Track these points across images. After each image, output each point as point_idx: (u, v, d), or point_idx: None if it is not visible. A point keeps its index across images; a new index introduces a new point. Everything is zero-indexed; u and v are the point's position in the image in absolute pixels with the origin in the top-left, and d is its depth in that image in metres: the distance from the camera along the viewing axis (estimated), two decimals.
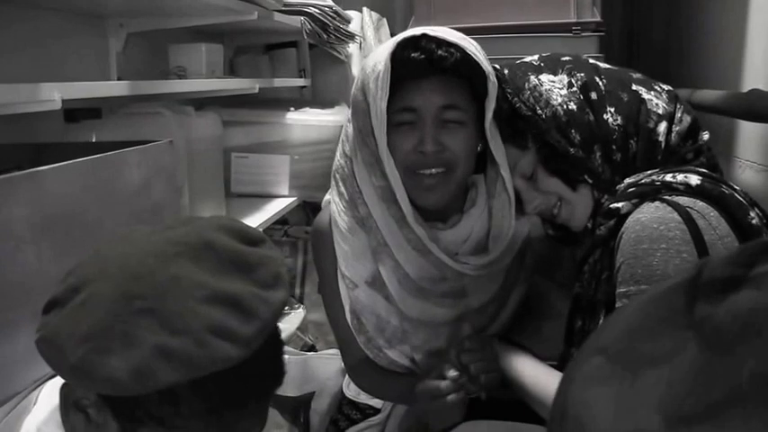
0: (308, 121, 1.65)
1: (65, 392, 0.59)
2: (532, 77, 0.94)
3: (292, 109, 1.66)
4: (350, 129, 1.01)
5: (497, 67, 0.98)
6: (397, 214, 0.99)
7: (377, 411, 1.24)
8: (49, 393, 0.63)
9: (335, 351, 1.62)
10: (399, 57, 0.92)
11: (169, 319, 0.52)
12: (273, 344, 0.59)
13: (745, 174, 1.45)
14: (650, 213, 0.83)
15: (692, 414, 0.31)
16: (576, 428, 0.35)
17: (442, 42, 0.92)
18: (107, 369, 0.51)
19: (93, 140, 1.15)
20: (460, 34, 0.95)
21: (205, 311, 0.53)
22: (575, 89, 0.92)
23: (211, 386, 0.54)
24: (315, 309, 1.88)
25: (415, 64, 0.92)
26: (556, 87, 0.93)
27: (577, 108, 0.91)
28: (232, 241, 0.59)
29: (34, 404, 0.64)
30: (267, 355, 0.57)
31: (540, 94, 0.92)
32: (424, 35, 0.92)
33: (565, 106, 0.91)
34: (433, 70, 0.93)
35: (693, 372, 0.33)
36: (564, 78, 0.93)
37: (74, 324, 0.54)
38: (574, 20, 1.91)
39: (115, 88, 0.95)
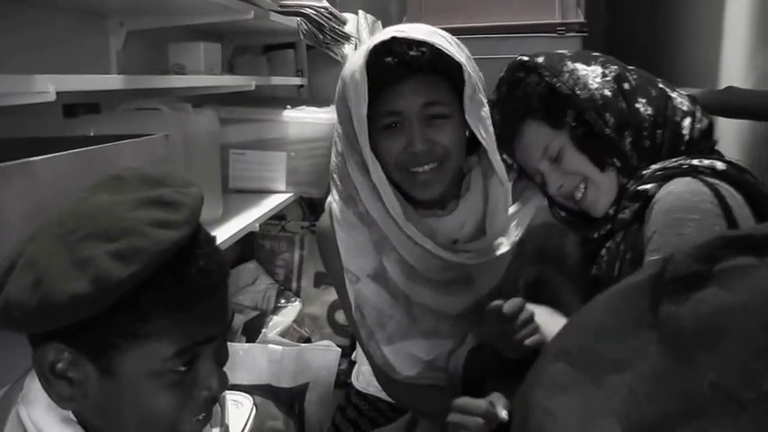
0: (304, 119, 1.67)
1: (38, 363, 0.61)
2: (569, 63, 1.00)
3: (289, 107, 1.69)
4: (340, 131, 1.03)
5: (526, 58, 1.02)
6: (395, 218, 1.01)
7: (385, 403, 1.27)
8: (33, 377, 0.65)
9: (329, 342, 1.65)
10: (374, 63, 0.94)
11: (107, 232, 0.57)
12: (204, 238, 0.65)
13: None
14: (683, 186, 0.88)
15: (649, 424, 0.31)
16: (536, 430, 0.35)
17: (412, 43, 0.94)
18: (69, 292, 0.55)
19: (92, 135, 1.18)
20: (429, 28, 0.97)
21: (136, 214, 0.59)
22: (609, 79, 0.98)
23: (162, 280, 0.59)
24: (311, 302, 1.91)
25: (390, 68, 0.94)
26: (591, 75, 0.99)
27: (612, 95, 0.97)
28: (131, 170, 0.66)
29: (21, 389, 0.65)
30: (201, 247, 0.63)
31: (578, 77, 0.98)
32: (394, 38, 0.94)
33: (601, 91, 0.97)
34: (408, 71, 0.95)
35: (655, 379, 0.32)
36: (598, 69, 0.99)
37: (20, 283, 0.57)
38: (559, 20, 1.95)
39: (110, 81, 0.97)
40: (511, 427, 0.38)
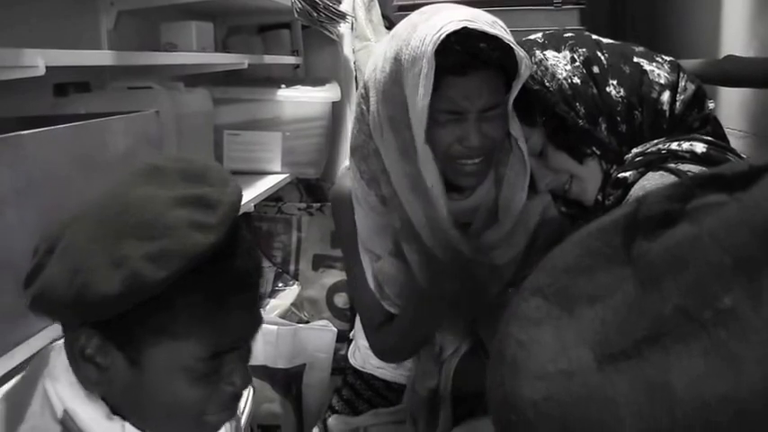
0: (299, 98, 1.65)
1: (69, 347, 0.63)
2: (538, 52, 0.96)
3: (283, 86, 1.67)
4: (372, 110, 0.99)
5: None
6: (424, 202, 0.99)
7: (381, 381, 1.26)
8: (59, 352, 0.66)
9: (325, 322, 1.64)
10: (439, 48, 0.88)
11: (144, 230, 0.58)
12: (242, 238, 0.65)
13: None
14: (654, 181, 0.84)
15: (619, 351, 0.32)
16: (512, 369, 0.35)
17: (482, 35, 0.89)
18: (101, 290, 0.56)
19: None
20: (489, 16, 0.93)
21: (174, 213, 0.59)
22: (577, 64, 0.94)
23: (196, 281, 0.59)
24: (309, 285, 1.89)
25: (458, 57, 0.90)
26: (560, 63, 0.95)
27: (581, 82, 0.93)
28: (173, 162, 0.65)
29: (47, 365, 0.66)
30: (238, 247, 0.63)
31: (546, 68, 0.94)
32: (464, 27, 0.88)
33: (569, 80, 0.93)
34: (474, 64, 0.91)
35: (625, 310, 0.33)
36: (567, 54, 0.95)
37: (60, 269, 0.58)
38: None
39: (100, 57, 0.96)
40: (488, 365, 0.38)
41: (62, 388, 0.64)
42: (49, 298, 0.59)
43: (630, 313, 0.33)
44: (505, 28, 0.93)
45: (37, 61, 0.77)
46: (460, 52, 0.90)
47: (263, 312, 0.70)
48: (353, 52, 2.10)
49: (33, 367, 0.68)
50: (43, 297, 0.59)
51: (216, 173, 0.65)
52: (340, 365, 1.53)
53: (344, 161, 1.74)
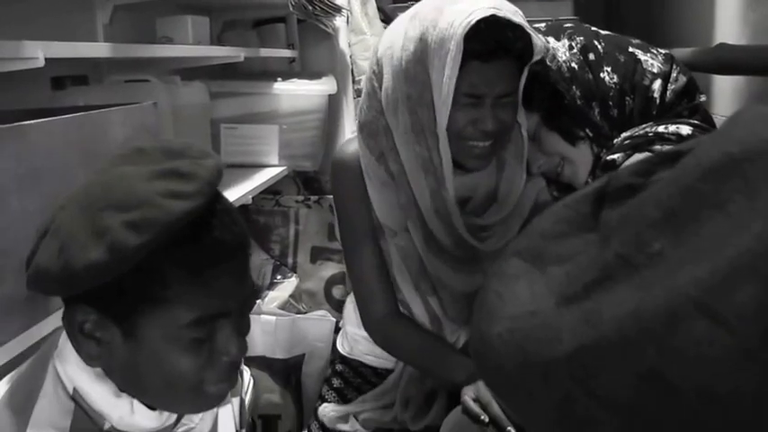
0: (296, 91, 1.66)
1: (68, 324, 0.65)
2: (541, 36, 0.99)
3: (280, 79, 1.68)
4: (385, 86, 1.00)
5: None
6: (432, 184, 1.01)
7: (369, 368, 1.27)
8: (66, 336, 0.68)
9: (323, 312, 1.65)
10: (467, 33, 0.91)
11: (124, 202, 0.60)
12: (222, 210, 0.66)
13: None
14: None
15: (572, 294, 0.37)
16: (488, 314, 0.41)
17: (507, 24, 0.92)
18: (86, 259, 0.58)
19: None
20: (513, 7, 0.95)
21: (152, 185, 0.61)
22: (575, 51, 0.98)
23: (178, 251, 0.61)
24: (307, 278, 1.91)
25: (485, 44, 0.92)
26: (559, 50, 0.98)
27: (578, 67, 0.96)
28: (155, 143, 0.69)
29: (55, 348, 0.69)
30: (217, 218, 0.65)
31: (548, 50, 0.98)
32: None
33: (567, 64, 0.97)
34: (498, 53, 0.93)
35: (585, 264, 0.39)
36: (565, 42, 0.99)
37: (48, 250, 0.61)
38: None
39: (99, 49, 0.96)
40: (472, 315, 0.45)
41: (71, 368, 0.66)
42: (41, 276, 0.61)
43: (587, 266, 0.39)
44: (524, 17, 0.96)
45: (37, 53, 0.78)
46: (487, 39, 0.92)
47: (255, 283, 0.72)
48: (349, 46, 2.11)
49: (43, 350, 0.70)
50: (37, 276, 0.62)
51: (195, 149, 0.67)
52: (331, 359, 1.55)
53: None
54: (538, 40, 0.94)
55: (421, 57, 0.95)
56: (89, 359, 0.65)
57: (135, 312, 0.63)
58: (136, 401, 0.68)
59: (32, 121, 0.74)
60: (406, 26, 0.99)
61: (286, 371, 1.49)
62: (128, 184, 0.62)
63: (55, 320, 0.78)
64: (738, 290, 0.32)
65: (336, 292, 1.91)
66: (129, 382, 0.67)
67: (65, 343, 0.68)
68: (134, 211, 0.59)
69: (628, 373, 0.34)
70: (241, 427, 0.89)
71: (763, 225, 0.32)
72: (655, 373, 0.33)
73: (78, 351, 0.65)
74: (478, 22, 0.90)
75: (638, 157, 0.89)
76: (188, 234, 0.62)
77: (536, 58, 0.95)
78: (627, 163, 0.90)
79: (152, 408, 0.69)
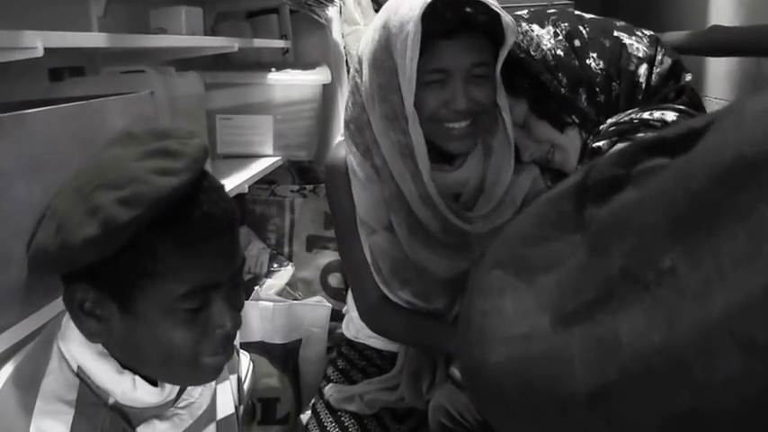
0: (290, 81, 1.68)
1: (68, 302, 0.67)
2: (523, 24, 1.00)
3: (274, 70, 1.69)
4: (364, 81, 1.02)
5: None
6: (412, 168, 1.02)
7: (374, 351, 1.30)
8: (69, 318, 0.71)
9: (319, 298, 1.68)
10: (427, 14, 0.92)
11: (115, 181, 0.63)
12: (209, 187, 0.69)
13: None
14: None
15: (571, 314, 0.34)
16: (479, 336, 0.39)
17: (469, 1, 0.93)
18: (82, 235, 0.61)
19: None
20: None
21: (140, 164, 0.64)
22: (560, 38, 0.98)
23: (168, 226, 0.64)
24: (303, 266, 1.93)
25: (445, 23, 0.94)
26: (544, 37, 0.99)
27: (564, 54, 0.97)
28: (146, 128, 0.72)
29: (59, 329, 0.71)
30: (205, 194, 0.67)
31: (532, 39, 0.99)
32: None
33: (552, 52, 0.97)
34: (461, 28, 0.95)
35: (577, 273, 0.36)
36: (550, 29, 0.99)
37: (46, 232, 0.64)
38: None
39: (97, 39, 0.98)
40: (458, 335, 0.41)
41: (75, 348, 0.69)
42: (41, 255, 0.65)
43: (581, 277, 0.35)
44: None
45: (36, 42, 0.79)
46: (448, 18, 0.93)
47: (242, 256, 0.75)
48: (342, 36, 2.12)
49: (47, 331, 0.73)
50: (37, 256, 0.65)
51: (182, 131, 0.71)
52: (336, 343, 1.57)
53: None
54: (506, 17, 0.94)
55: (386, 44, 0.97)
56: (90, 336, 0.68)
57: (130, 287, 0.65)
58: (138, 377, 0.71)
59: (33, 110, 0.76)
60: (376, 19, 1.01)
61: (284, 355, 1.51)
62: (119, 164, 0.65)
63: (59, 304, 0.80)
64: None
65: (332, 279, 1.93)
66: (129, 357, 0.70)
67: (67, 324, 0.71)
68: (125, 189, 0.62)
69: (657, 411, 0.31)
70: (239, 404, 0.91)
71: None
72: (688, 412, 0.30)
73: (80, 329, 0.68)
74: (438, 1, 0.92)
75: (618, 148, 0.90)
76: (177, 210, 0.64)
77: (510, 39, 0.95)
78: (612, 151, 0.91)
79: (154, 383, 0.72)
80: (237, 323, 0.72)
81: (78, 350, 0.69)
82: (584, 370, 0.32)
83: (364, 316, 1.18)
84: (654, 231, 0.33)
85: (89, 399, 0.68)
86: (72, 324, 0.70)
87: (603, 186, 0.38)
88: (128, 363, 0.71)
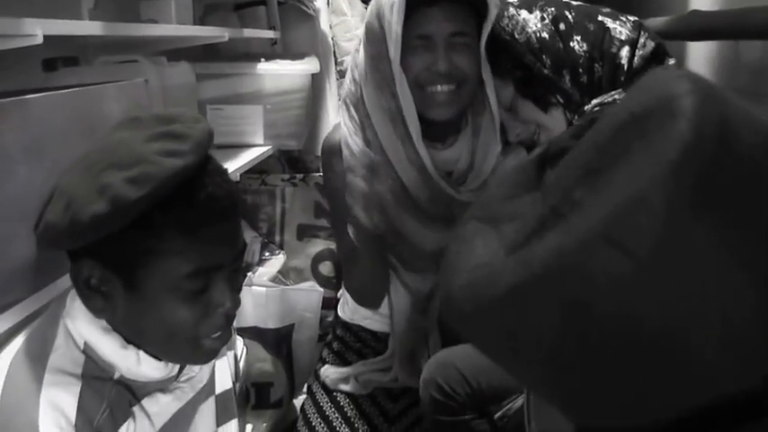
0: (279, 71, 1.70)
1: (74, 279, 0.70)
2: (511, 9, 1.05)
3: (263, 60, 1.71)
4: (359, 57, 1.10)
5: None
6: (402, 134, 1.08)
7: (369, 333, 1.34)
8: (74, 296, 0.74)
9: (312, 283, 1.71)
10: None
11: (123, 161, 0.65)
12: (213, 170, 0.72)
13: None
14: None
15: (517, 244, 0.44)
16: (449, 269, 0.48)
17: None
18: (91, 212, 0.63)
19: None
20: None
21: (148, 146, 0.66)
22: (546, 21, 1.03)
23: (174, 206, 0.67)
24: (294, 255, 1.95)
25: None
26: (531, 21, 1.03)
27: (549, 37, 1.01)
28: (149, 112, 0.75)
29: (64, 307, 0.74)
30: (209, 177, 0.70)
31: (517, 22, 1.03)
32: None
33: (537, 35, 1.02)
34: None
35: (530, 220, 0.45)
36: (537, 14, 1.04)
37: (55, 210, 0.66)
38: None
39: (96, 27, 1.00)
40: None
41: (80, 324, 0.72)
42: (51, 231, 0.67)
43: (530, 220, 0.45)
44: None
45: (35, 30, 0.81)
46: None
47: (243, 237, 0.78)
48: (330, 27, 2.15)
49: (52, 309, 0.75)
50: (47, 232, 0.68)
51: (188, 115, 0.73)
52: (326, 332, 1.59)
53: (325, 133, 1.79)
54: None
55: (377, 14, 1.05)
56: (96, 311, 0.70)
57: (135, 266, 0.68)
58: (142, 353, 0.73)
59: (34, 95, 0.78)
60: None
61: (277, 340, 1.54)
62: (126, 146, 0.68)
63: (63, 283, 0.83)
64: (634, 220, 0.37)
65: (323, 268, 1.96)
66: (132, 334, 0.73)
67: (72, 302, 0.74)
68: (133, 169, 0.64)
69: (554, 303, 0.40)
70: (235, 380, 0.94)
71: (654, 168, 0.37)
72: (574, 302, 0.39)
73: (86, 304, 0.71)
74: None
75: None
76: (183, 192, 0.67)
77: (492, 11, 1.02)
78: None
79: (158, 358, 0.75)
80: (237, 303, 0.75)
81: (84, 326, 0.72)
82: (507, 275, 0.42)
83: (346, 282, 1.24)
84: (572, 177, 0.43)
85: (95, 373, 0.71)
86: (77, 301, 0.72)
87: (557, 155, 0.47)
88: (132, 339, 0.73)
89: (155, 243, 0.67)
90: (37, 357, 0.70)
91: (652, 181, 0.37)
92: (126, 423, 0.74)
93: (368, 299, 1.26)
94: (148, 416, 0.76)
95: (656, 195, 0.37)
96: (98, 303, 0.70)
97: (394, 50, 1.03)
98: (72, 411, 0.67)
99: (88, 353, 0.72)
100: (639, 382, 0.41)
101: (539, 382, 0.46)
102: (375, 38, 1.06)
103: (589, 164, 0.42)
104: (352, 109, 1.14)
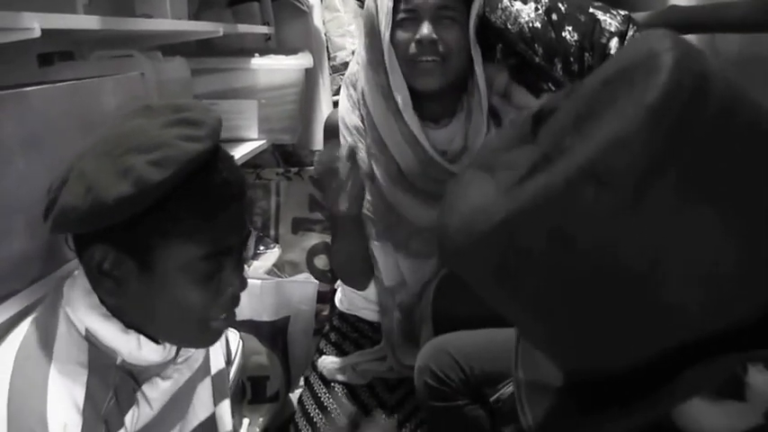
0: (273, 66, 1.71)
1: (87, 264, 0.71)
2: (505, 0, 1.09)
3: (257, 55, 1.73)
4: (361, 41, 1.16)
5: None
6: (393, 108, 1.12)
7: (365, 323, 1.36)
8: (71, 285, 0.75)
9: (307, 275, 1.72)
10: None
11: (144, 145, 0.67)
12: (224, 157, 0.75)
13: None
14: None
15: (510, 187, 0.47)
16: (448, 209, 0.51)
17: None
18: (114, 194, 0.65)
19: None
20: None
21: (167, 131, 0.68)
22: (540, 12, 1.07)
23: (191, 189, 0.69)
24: (289, 249, 1.97)
25: None
26: (524, 11, 1.08)
27: (541, 26, 1.06)
28: (161, 102, 0.76)
29: (62, 297, 0.75)
30: (221, 163, 0.73)
31: (510, 13, 1.08)
32: None
33: (530, 24, 1.06)
34: None
35: (524, 167, 0.48)
36: (531, 5, 1.09)
37: (73, 192, 0.67)
38: None
39: (93, 22, 1.01)
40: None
41: (80, 312, 0.73)
42: (68, 214, 0.67)
43: (523, 167, 0.48)
44: None
45: (33, 24, 0.82)
46: None
47: (249, 226, 0.82)
48: (324, 23, 2.16)
49: (50, 300, 0.76)
50: (64, 216, 0.68)
51: (199, 105, 0.76)
52: (322, 326, 1.60)
53: (319, 127, 1.81)
54: None
55: None
56: (107, 295, 0.72)
57: (151, 247, 0.70)
58: (142, 337, 0.75)
59: (33, 88, 0.79)
60: None
61: (273, 333, 1.55)
62: (144, 131, 0.70)
63: (60, 273, 0.84)
64: (617, 158, 0.41)
65: (318, 261, 1.97)
66: (141, 317, 0.74)
67: (70, 290, 0.75)
68: (155, 152, 0.66)
69: (541, 230, 0.44)
70: (227, 361, 0.97)
71: (636, 109, 0.41)
72: (559, 229, 0.43)
73: (97, 289, 0.72)
74: None
75: None
76: (198, 176, 0.69)
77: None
78: None
79: (156, 341, 0.76)
80: (245, 284, 0.77)
81: (84, 314, 0.73)
82: (498, 211, 0.45)
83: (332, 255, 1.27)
84: (562, 126, 0.46)
85: (100, 359, 0.73)
86: (76, 290, 0.74)
87: (551, 111, 0.51)
88: (138, 322, 0.75)
89: (171, 226, 0.69)
90: (41, 347, 0.71)
91: (633, 123, 0.41)
92: (131, 410, 0.76)
93: (351, 277, 1.30)
94: (148, 401, 0.78)
95: (637, 136, 0.41)
96: (110, 287, 0.72)
97: (384, 24, 1.08)
98: (80, 401, 0.69)
99: (91, 340, 0.73)
100: (615, 320, 0.45)
101: (525, 320, 0.49)
102: (369, 14, 1.12)
103: (578, 113, 0.46)
104: (351, 88, 1.20)
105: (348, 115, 1.20)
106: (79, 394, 0.69)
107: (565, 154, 0.45)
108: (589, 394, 0.49)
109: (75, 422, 0.67)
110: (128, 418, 0.75)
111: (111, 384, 0.73)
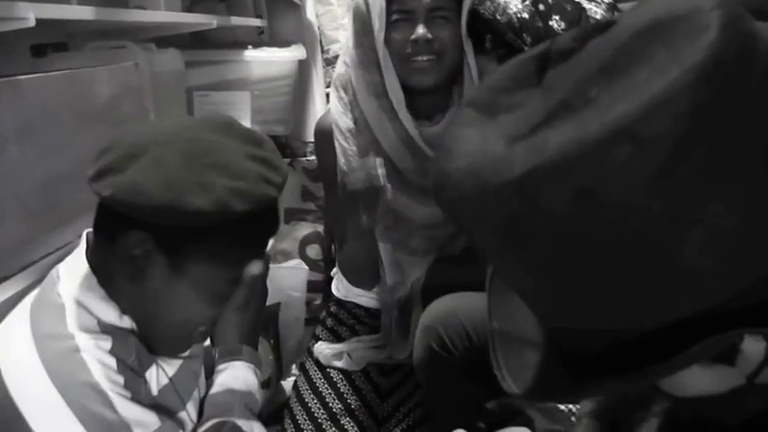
0: (266, 58, 1.73)
1: (122, 245, 0.72)
2: None
3: (250, 47, 1.74)
4: (350, 41, 1.15)
5: None
6: (387, 107, 1.13)
7: (363, 310, 1.38)
8: (67, 270, 0.77)
9: (298, 261, 1.75)
10: None
11: (229, 170, 0.70)
12: (276, 207, 0.80)
13: None
14: None
15: (521, 134, 0.45)
16: (446, 154, 0.49)
17: None
18: (195, 206, 0.67)
19: None
20: None
21: (251, 165, 0.72)
22: (527, 3, 1.10)
23: (247, 222, 0.72)
24: (282, 238, 1.99)
25: None
26: (512, 2, 1.11)
27: (529, 17, 1.09)
28: (236, 123, 0.78)
29: (58, 278, 0.77)
30: (276, 209, 0.79)
31: (499, 4, 1.11)
32: None
33: (518, 15, 1.10)
34: None
35: (531, 111, 0.46)
36: None
37: (150, 177, 0.68)
38: None
39: (88, 12, 1.02)
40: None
41: (80, 293, 0.74)
42: (143, 198, 0.68)
43: (532, 113, 0.46)
44: None
45: (28, 14, 0.83)
46: None
47: None
48: (317, 16, 2.18)
49: (49, 280, 0.78)
50: (137, 196, 0.68)
51: (272, 144, 0.79)
52: (314, 316, 1.62)
53: (312, 119, 1.83)
54: None
55: None
56: (120, 276, 0.74)
57: (187, 254, 0.73)
58: (135, 324, 0.77)
59: (28, 76, 0.81)
60: None
61: (263, 320, 1.56)
62: (226, 153, 0.72)
63: (55, 259, 0.86)
64: (657, 120, 0.39)
65: (310, 251, 1.99)
66: (138, 311, 0.76)
67: (67, 271, 0.77)
68: (239, 182, 0.70)
69: (567, 189, 0.41)
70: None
71: (679, 71, 0.40)
72: (588, 190, 0.41)
73: (118, 268, 0.73)
74: None
75: None
76: (255, 214, 0.73)
77: None
78: None
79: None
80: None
81: (84, 295, 0.74)
82: (519, 163, 0.43)
83: (339, 264, 1.26)
84: (587, 74, 0.44)
85: (116, 323, 0.75)
86: (75, 271, 0.75)
87: (560, 55, 0.49)
88: (131, 313, 0.76)
89: (214, 244, 0.73)
90: (56, 325, 0.72)
91: (678, 83, 0.39)
92: (149, 369, 0.78)
93: (361, 279, 1.30)
94: (163, 365, 0.81)
95: (682, 97, 0.39)
96: (128, 271, 0.73)
97: (378, 24, 1.09)
98: (113, 362, 0.72)
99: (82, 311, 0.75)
100: (630, 282, 0.43)
101: (520, 274, 0.47)
102: (360, 14, 1.12)
103: (605, 63, 0.43)
104: (341, 90, 1.19)
105: (341, 118, 1.19)
106: (111, 358, 0.72)
107: (591, 106, 0.42)
108: (581, 360, 0.48)
109: (119, 381, 0.71)
110: (149, 376, 0.78)
111: (134, 347, 0.76)
